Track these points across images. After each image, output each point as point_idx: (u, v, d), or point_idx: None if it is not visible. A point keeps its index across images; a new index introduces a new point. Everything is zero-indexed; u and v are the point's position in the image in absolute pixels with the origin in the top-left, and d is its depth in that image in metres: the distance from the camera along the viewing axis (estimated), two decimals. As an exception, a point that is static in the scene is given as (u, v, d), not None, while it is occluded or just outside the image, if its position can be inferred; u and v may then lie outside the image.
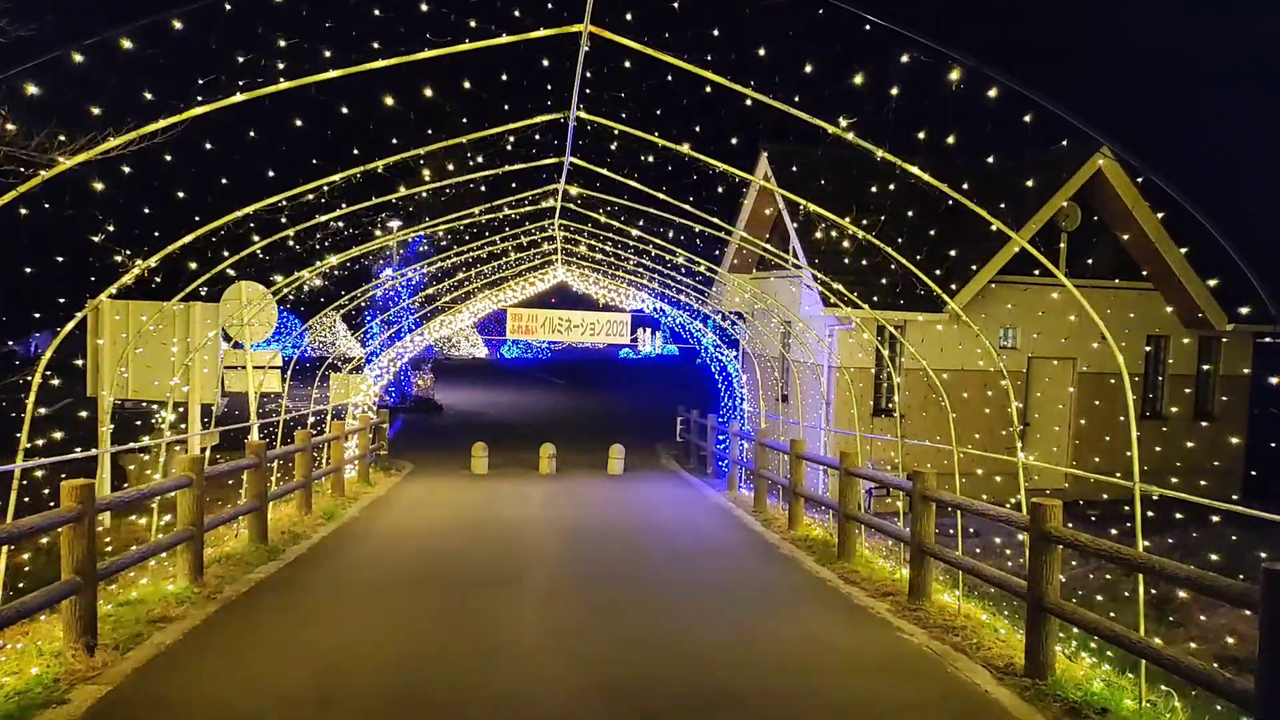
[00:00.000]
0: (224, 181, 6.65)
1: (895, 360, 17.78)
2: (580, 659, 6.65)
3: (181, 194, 6.69)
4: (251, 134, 6.39)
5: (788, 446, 12.55)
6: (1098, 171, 17.59)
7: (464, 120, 6.43)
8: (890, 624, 7.70)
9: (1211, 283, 17.65)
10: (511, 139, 6.63)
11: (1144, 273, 18.45)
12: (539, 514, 13.15)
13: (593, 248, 13.41)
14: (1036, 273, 17.11)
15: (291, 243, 8.69)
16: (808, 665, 6.64)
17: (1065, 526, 6.36)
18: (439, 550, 10.36)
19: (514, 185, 9.25)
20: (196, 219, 6.27)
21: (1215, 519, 8.94)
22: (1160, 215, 17.74)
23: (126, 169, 6.00)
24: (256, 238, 7.13)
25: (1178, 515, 11.11)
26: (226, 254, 7.11)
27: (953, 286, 16.63)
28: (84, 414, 9.50)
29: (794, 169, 18.17)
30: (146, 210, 6.65)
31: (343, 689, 5.89)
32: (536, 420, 29.88)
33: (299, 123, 6.00)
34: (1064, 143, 15.83)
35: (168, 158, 6.30)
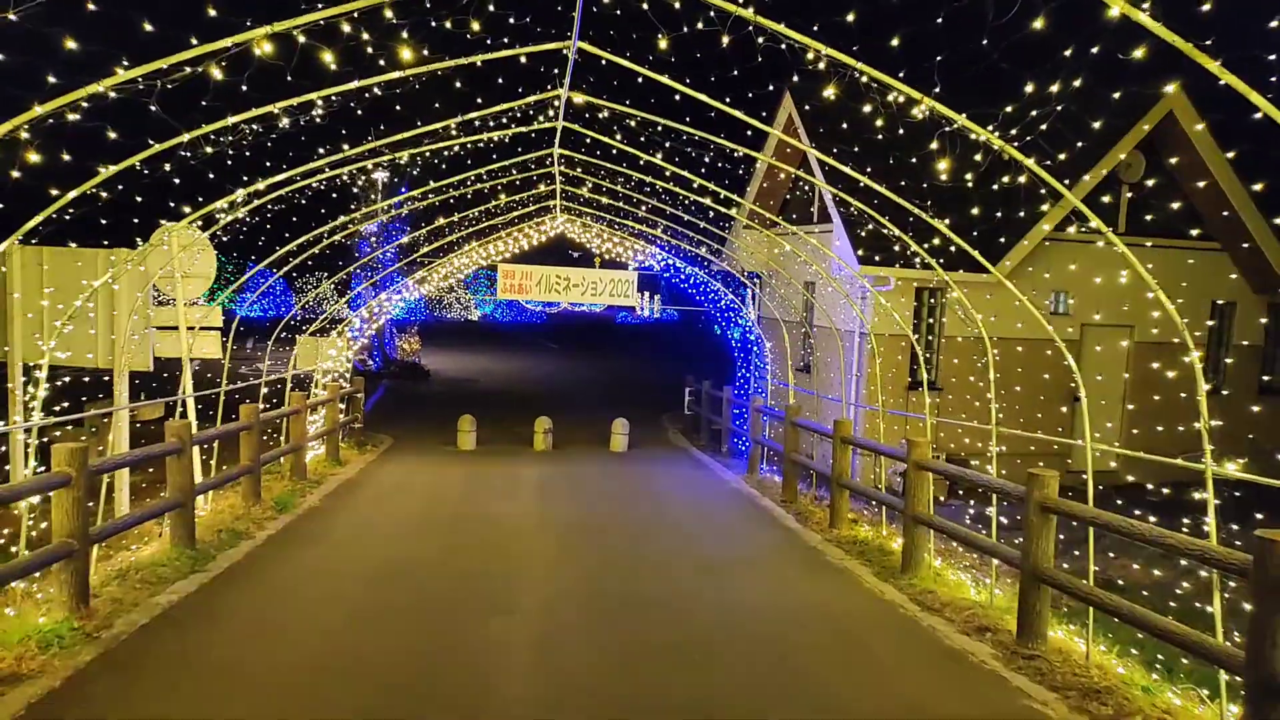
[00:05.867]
0: (126, 62, 4.47)
1: (936, 327, 15.81)
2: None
3: (53, 79, 4.52)
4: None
5: (829, 428, 10.57)
6: (1167, 115, 15.45)
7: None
8: (1006, 682, 5.75)
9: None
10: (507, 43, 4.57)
11: (1210, 232, 16.39)
12: (533, 507, 11.13)
13: (598, 188, 11.26)
14: (1080, 229, 15.11)
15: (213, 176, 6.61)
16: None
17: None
18: (408, 561, 8.32)
19: (505, 122, 7.11)
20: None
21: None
22: (1233, 167, 15.63)
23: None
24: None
25: (1237, 494, 9.30)
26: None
27: (1001, 241, 14.61)
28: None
29: (823, 116, 15.92)
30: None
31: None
32: (531, 388, 27.91)
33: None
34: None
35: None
